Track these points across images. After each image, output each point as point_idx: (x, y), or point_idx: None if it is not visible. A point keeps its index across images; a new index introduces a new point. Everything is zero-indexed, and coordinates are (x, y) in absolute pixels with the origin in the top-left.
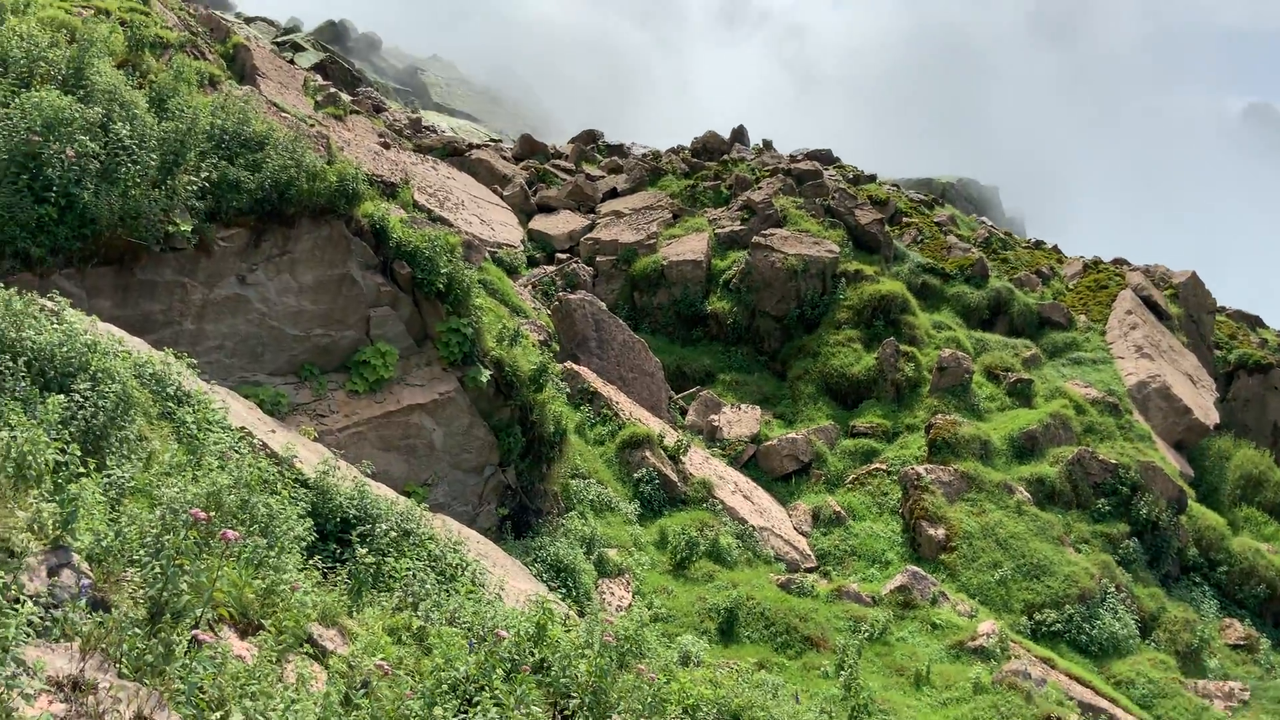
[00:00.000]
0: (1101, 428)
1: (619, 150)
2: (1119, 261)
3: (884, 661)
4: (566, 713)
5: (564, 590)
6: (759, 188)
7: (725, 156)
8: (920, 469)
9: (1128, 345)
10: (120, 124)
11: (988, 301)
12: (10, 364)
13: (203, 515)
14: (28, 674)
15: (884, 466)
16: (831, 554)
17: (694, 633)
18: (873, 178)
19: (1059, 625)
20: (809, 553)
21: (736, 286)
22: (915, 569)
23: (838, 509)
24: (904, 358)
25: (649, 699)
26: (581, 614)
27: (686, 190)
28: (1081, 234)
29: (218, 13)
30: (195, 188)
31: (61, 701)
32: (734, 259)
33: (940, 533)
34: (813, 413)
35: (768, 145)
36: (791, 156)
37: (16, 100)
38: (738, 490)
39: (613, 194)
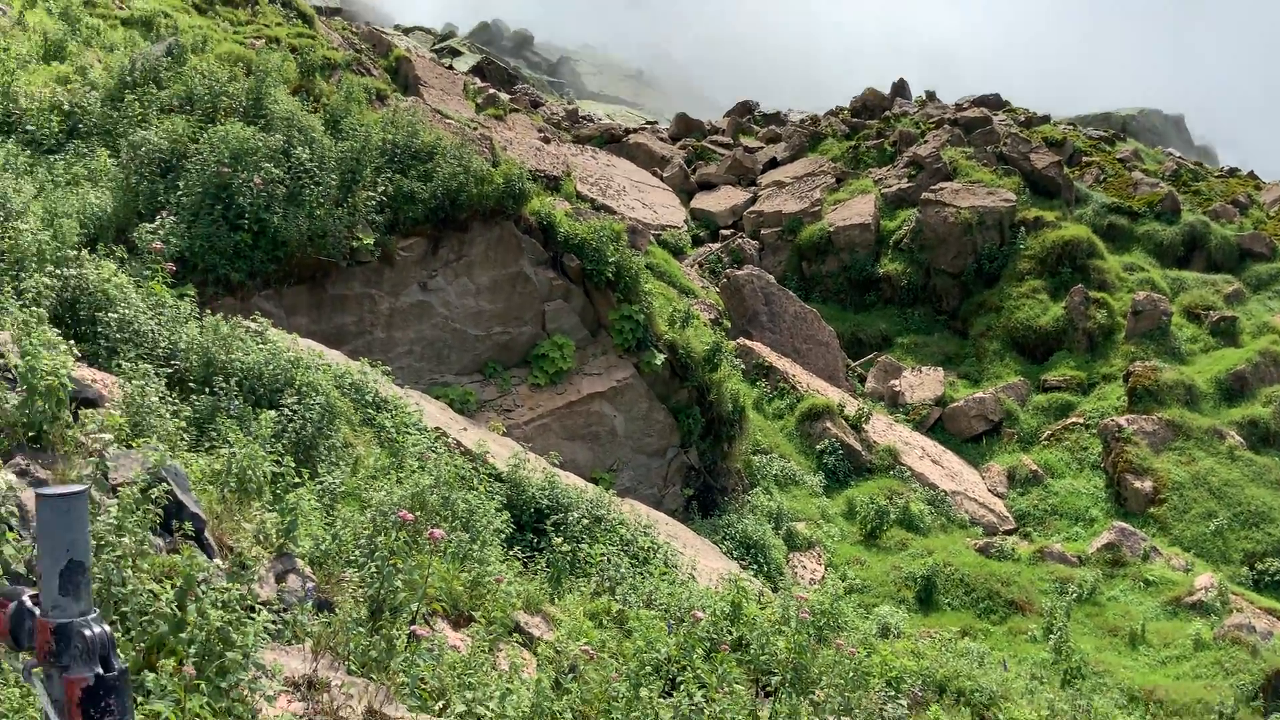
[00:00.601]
0: None
1: (776, 119)
2: None
3: (1095, 623)
4: (769, 689)
5: (755, 566)
6: (925, 141)
7: (887, 113)
8: (1121, 420)
9: None
10: (300, 148)
11: (1181, 238)
12: (224, 384)
13: (409, 516)
14: (267, 676)
15: (1081, 420)
16: (1031, 515)
17: (891, 603)
18: (1046, 119)
19: None
20: (1006, 515)
21: (908, 246)
22: (1123, 525)
23: (1034, 468)
24: (1094, 304)
25: (850, 673)
26: (774, 590)
27: (848, 152)
28: None
29: (378, 28)
30: (374, 202)
31: (299, 700)
32: (903, 218)
33: (1148, 485)
34: (999, 370)
35: (931, 96)
36: (957, 105)
37: (205, 135)
38: (925, 455)
39: (773, 164)
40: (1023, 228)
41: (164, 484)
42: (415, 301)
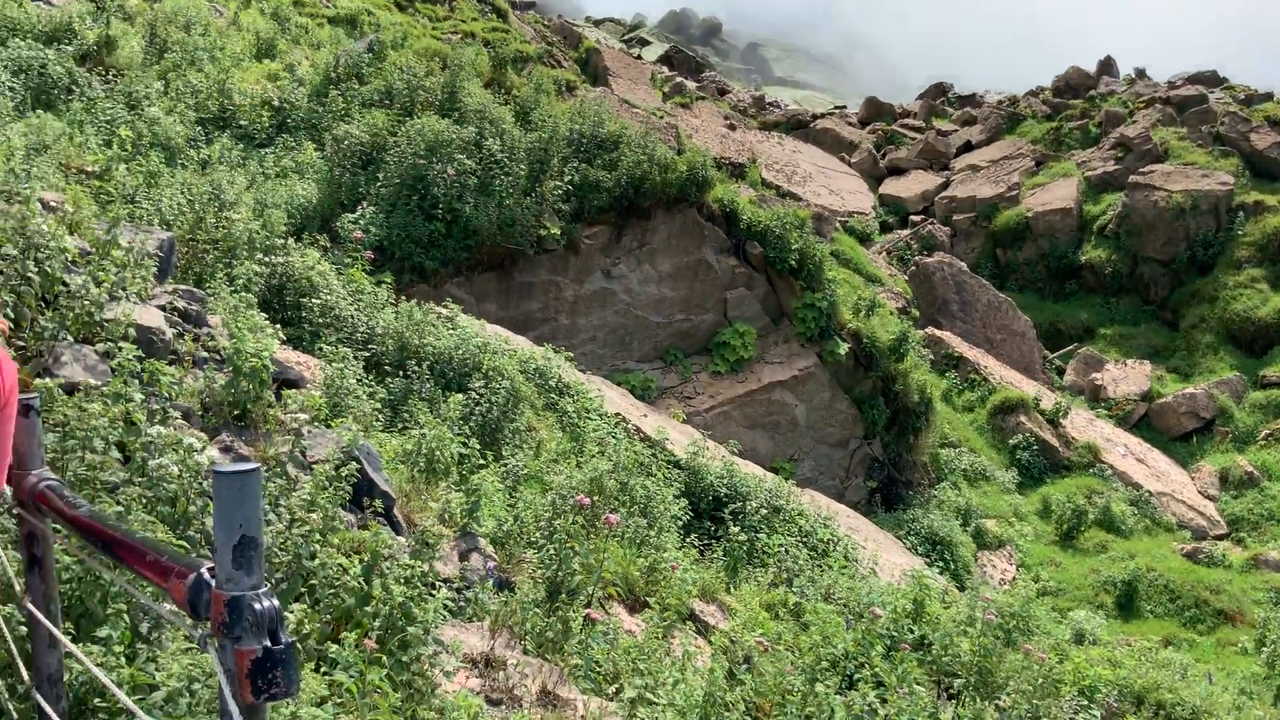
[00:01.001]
0: None
1: (971, 100)
2: None
3: None
4: (951, 692)
5: (941, 564)
6: (1133, 121)
7: (1092, 93)
8: None
9: None
10: (491, 139)
11: None
12: (416, 368)
13: (586, 500)
14: (447, 652)
15: None
16: (1245, 519)
17: (1088, 608)
18: (1269, 96)
19: None
20: (1217, 518)
21: (1113, 232)
22: None
23: (1249, 469)
24: None
25: (1039, 679)
26: (961, 588)
27: (1049, 134)
28: None
29: (569, 20)
30: (560, 191)
31: (476, 677)
32: (1108, 202)
33: None
34: (1213, 364)
35: (1140, 74)
36: (1170, 83)
37: (403, 128)
38: (1129, 453)
39: (967, 147)
40: (1241, 212)
41: (355, 463)
42: (599, 289)
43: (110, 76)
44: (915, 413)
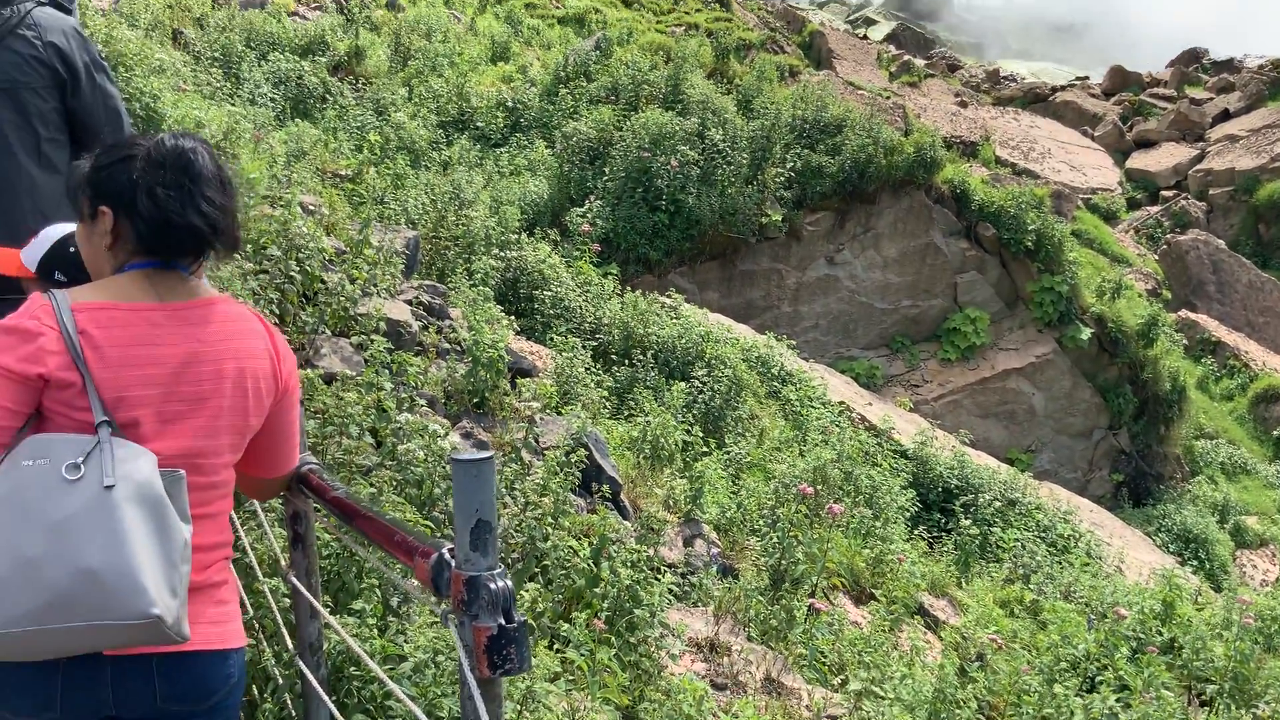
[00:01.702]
0: None
1: (1228, 66)
2: None
3: None
4: (1203, 698)
5: (1195, 563)
6: None
7: None
8: None
9: None
10: (713, 130)
11: None
12: (642, 356)
13: (809, 490)
14: (672, 635)
15: None
16: None
17: None
18: None
19: None
20: None
21: None
22: None
23: None
24: None
25: None
26: (1217, 589)
27: None
28: None
29: (792, 4)
30: (782, 179)
31: (702, 661)
32: None
33: None
34: None
35: None
36: None
37: (628, 123)
38: None
39: (1224, 116)
40: None
41: (584, 449)
42: (821, 275)
43: (360, 84)
44: (1167, 401)
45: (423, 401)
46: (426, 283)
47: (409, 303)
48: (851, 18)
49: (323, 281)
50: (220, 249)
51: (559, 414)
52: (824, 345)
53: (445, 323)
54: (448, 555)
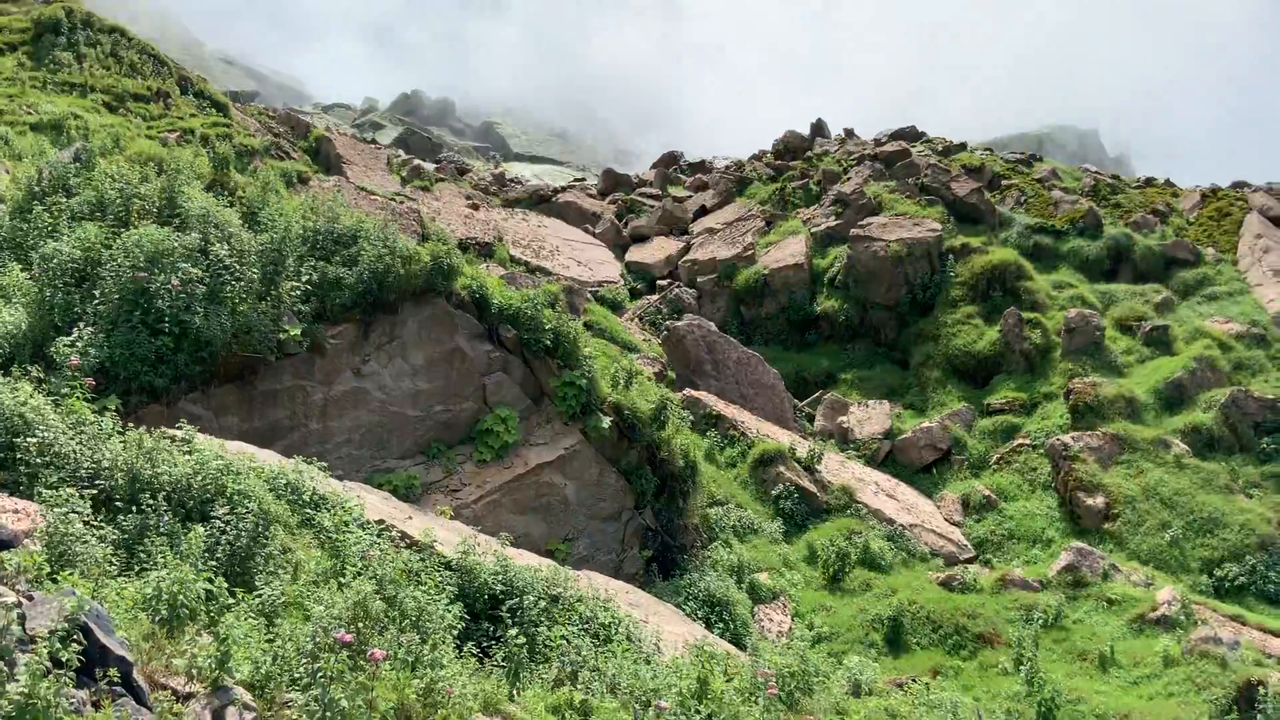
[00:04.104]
0: (1251, 362)
1: (702, 167)
2: (1239, 185)
3: (1063, 648)
4: None
5: (721, 625)
6: (848, 179)
7: (809, 153)
8: (1067, 438)
9: (1263, 271)
10: (218, 244)
11: (1106, 251)
12: (152, 500)
13: (348, 637)
14: None
15: (1027, 441)
16: (988, 541)
17: (860, 648)
18: (963, 146)
19: (1242, 579)
20: (965, 543)
21: (842, 282)
22: (1079, 544)
23: (987, 493)
24: (1028, 325)
25: None
26: (742, 648)
27: (775, 195)
28: (1196, 156)
29: (295, 109)
30: (299, 292)
31: None
32: (835, 255)
33: (1099, 501)
34: (943, 397)
35: (850, 134)
36: (876, 140)
37: (119, 240)
38: (880, 490)
39: (702, 212)
40: (951, 255)
41: (79, 636)
42: (350, 389)
43: None
44: (682, 477)
45: None
46: None
47: None
48: (358, 122)
49: None
50: None
51: (54, 581)
52: (359, 460)
53: None
54: None
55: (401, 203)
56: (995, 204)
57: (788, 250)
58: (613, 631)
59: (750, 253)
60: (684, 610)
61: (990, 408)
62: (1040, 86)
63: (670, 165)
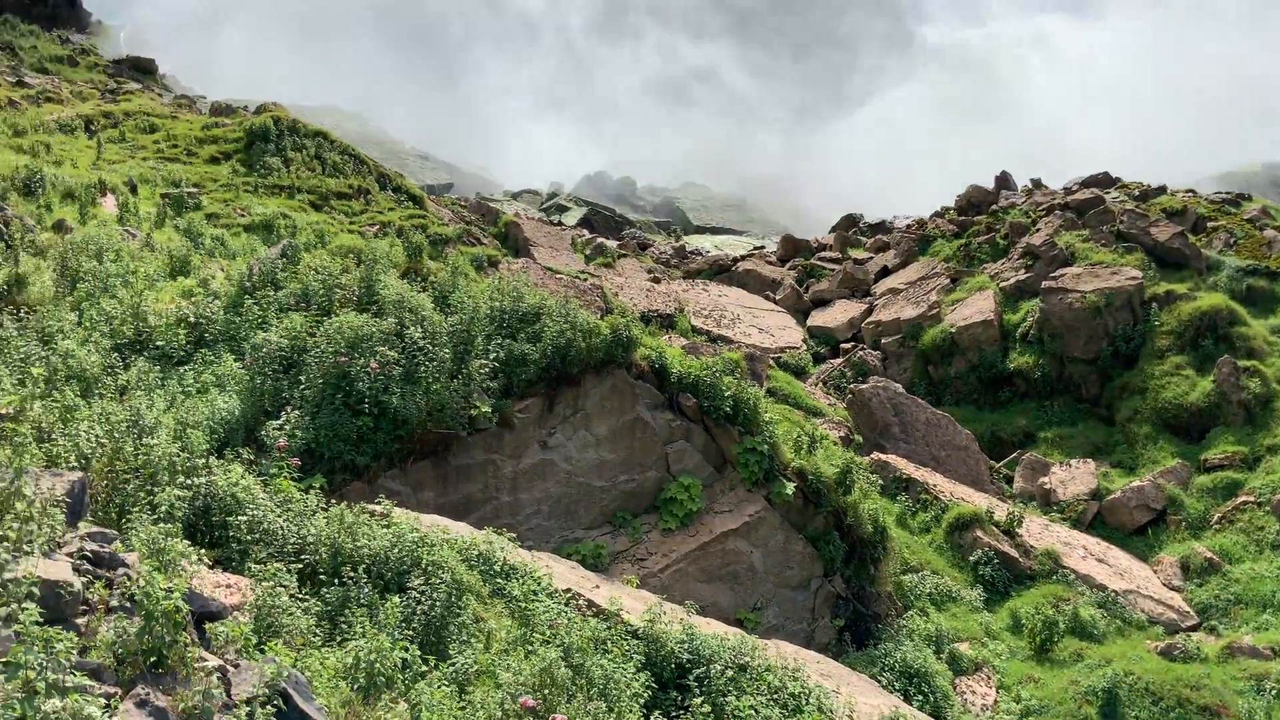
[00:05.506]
0: None
1: (881, 227)
2: None
3: None
4: None
5: (921, 698)
6: (1037, 230)
7: (994, 207)
8: None
9: None
10: (412, 327)
11: None
12: (353, 573)
13: (531, 702)
14: None
15: (1252, 498)
16: (1213, 606)
17: None
18: (1162, 189)
19: None
20: (1187, 609)
21: (1036, 337)
22: None
23: (1209, 555)
24: (1246, 374)
25: None
26: None
27: (960, 251)
28: None
29: (486, 197)
30: (487, 369)
31: None
32: (1026, 309)
33: None
34: (1154, 454)
35: (1037, 184)
36: (1065, 189)
37: (321, 328)
38: (1088, 554)
39: (884, 273)
40: (1154, 304)
41: (278, 700)
42: (537, 461)
43: (22, 314)
44: (871, 543)
45: (83, 675)
46: (94, 529)
47: (72, 555)
48: (544, 205)
49: None
50: None
51: (262, 651)
52: (548, 530)
53: (118, 572)
54: None
55: (585, 280)
56: (1200, 247)
57: (975, 307)
58: (803, 702)
59: (936, 311)
60: (880, 681)
61: (1208, 463)
62: (1237, 126)
63: (849, 228)
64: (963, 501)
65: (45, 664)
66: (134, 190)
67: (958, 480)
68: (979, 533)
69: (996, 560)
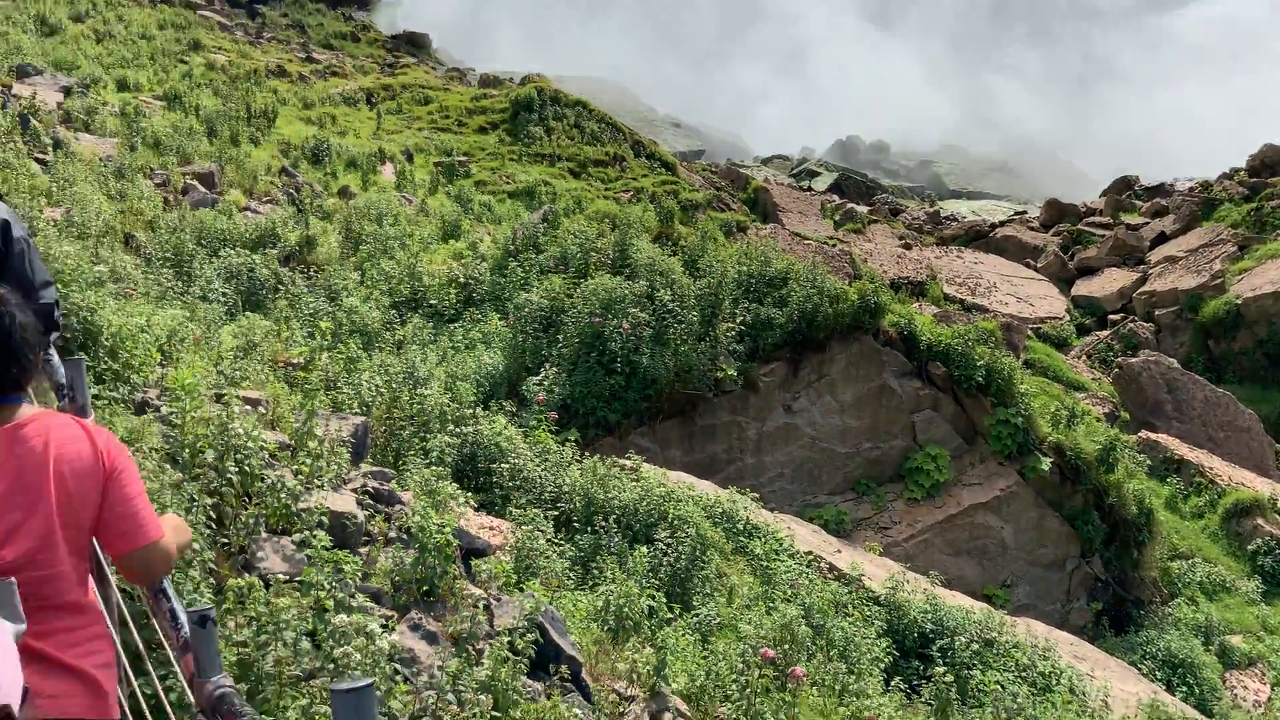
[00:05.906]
0: None
1: (1160, 190)
2: None
3: None
4: None
5: (1185, 689)
6: None
7: None
8: None
9: None
10: (662, 290)
11: None
12: (604, 522)
13: (771, 653)
14: None
15: None
16: None
17: None
18: None
19: None
20: None
21: None
22: None
23: None
24: None
25: None
26: (1208, 715)
27: (1250, 216)
28: None
29: (736, 163)
30: (733, 333)
31: None
32: None
33: None
34: None
35: None
36: None
37: (578, 290)
38: None
39: (1161, 239)
40: None
41: (536, 631)
42: (781, 424)
43: (312, 272)
44: (1136, 525)
45: (366, 597)
46: (375, 469)
47: (356, 491)
48: (794, 171)
49: (263, 479)
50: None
51: (521, 590)
52: (790, 494)
53: (395, 508)
54: None
55: (834, 246)
56: None
57: (1266, 277)
58: (1053, 682)
59: (1219, 281)
60: (1139, 669)
61: None
62: None
63: (1123, 191)
64: (1242, 486)
65: (334, 584)
66: (410, 159)
67: (1238, 463)
68: (1260, 520)
69: (1279, 550)
